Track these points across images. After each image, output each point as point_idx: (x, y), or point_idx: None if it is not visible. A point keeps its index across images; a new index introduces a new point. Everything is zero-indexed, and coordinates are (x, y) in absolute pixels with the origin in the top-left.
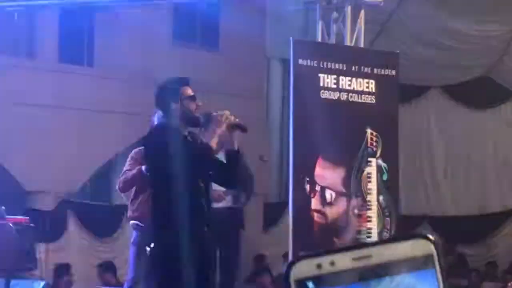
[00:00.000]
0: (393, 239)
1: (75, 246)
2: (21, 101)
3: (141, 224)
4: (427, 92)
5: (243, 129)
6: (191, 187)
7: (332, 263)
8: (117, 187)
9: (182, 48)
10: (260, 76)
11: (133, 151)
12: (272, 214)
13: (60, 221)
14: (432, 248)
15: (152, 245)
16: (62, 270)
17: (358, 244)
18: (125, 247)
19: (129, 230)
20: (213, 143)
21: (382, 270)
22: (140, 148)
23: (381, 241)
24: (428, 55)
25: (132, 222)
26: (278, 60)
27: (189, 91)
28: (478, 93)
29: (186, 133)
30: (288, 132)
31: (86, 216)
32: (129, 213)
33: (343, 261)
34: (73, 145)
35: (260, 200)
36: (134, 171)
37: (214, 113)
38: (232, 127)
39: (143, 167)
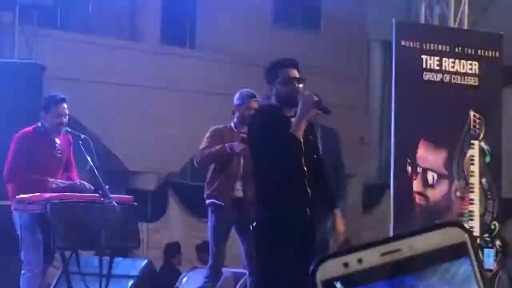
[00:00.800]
0: (423, 229)
1: (176, 226)
2: (124, 82)
3: (222, 203)
4: None
5: (326, 111)
6: (295, 170)
7: (360, 261)
8: (195, 161)
9: (283, 29)
10: (361, 57)
11: (211, 129)
12: (372, 196)
13: (162, 201)
14: (465, 236)
15: (254, 223)
16: (173, 249)
17: (386, 238)
18: None
19: None
20: (303, 125)
21: (414, 264)
22: (219, 126)
23: (411, 233)
24: None
25: (211, 201)
26: (379, 42)
27: (292, 73)
28: None
29: (291, 114)
30: (389, 113)
31: (186, 196)
32: (208, 192)
33: (372, 257)
34: (175, 126)
35: (360, 181)
36: (217, 148)
37: (303, 94)
38: (318, 107)
39: (236, 145)
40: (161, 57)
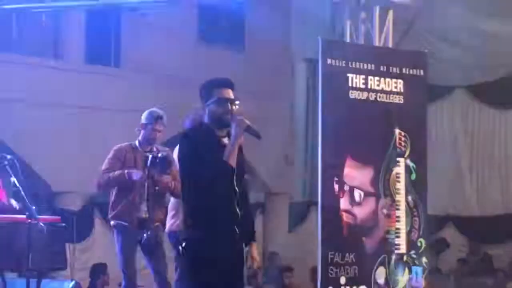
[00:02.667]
0: None
1: (102, 246)
2: (48, 101)
3: (126, 224)
4: (452, 92)
5: (257, 136)
6: (226, 190)
7: None
8: (96, 185)
9: (207, 48)
10: (285, 76)
11: (114, 148)
12: (297, 214)
13: (87, 222)
14: None
15: (184, 244)
16: (99, 270)
17: None
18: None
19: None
20: (236, 150)
21: None
22: (122, 145)
23: None
24: (453, 55)
25: (116, 222)
26: (303, 60)
27: (226, 93)
28: (502, 93)
29: (222, 134)
30: (313, 131)
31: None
32: (112, 213)
33: None
34: (99, 146)
35: (285, 199)
36: (117, 174)
37: (238, 116)
38: (249, 132)
39: (135, 174)
40: (86, 76)
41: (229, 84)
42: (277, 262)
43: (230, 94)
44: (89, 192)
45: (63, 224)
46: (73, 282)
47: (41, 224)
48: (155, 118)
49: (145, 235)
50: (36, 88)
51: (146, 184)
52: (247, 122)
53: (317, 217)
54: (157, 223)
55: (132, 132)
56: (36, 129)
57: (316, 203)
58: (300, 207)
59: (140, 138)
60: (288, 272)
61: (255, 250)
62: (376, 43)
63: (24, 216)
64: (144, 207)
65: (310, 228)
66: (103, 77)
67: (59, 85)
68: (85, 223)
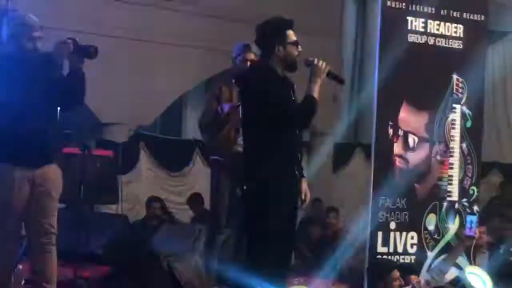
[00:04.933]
0: None
1: (147, 179)
2: (98, 31)
3: (221, 159)
4: (503, 37)
5: (341, 81)
6: (290, 131)
7: None
8: (199, 127)
9: None
10: (334, 15)
11: (213, 89)
12: (342, 155)
13: (133, 154)
14: None
15: (245, 187)
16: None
17: None
18: (195, 181)
19: (199, 165)
20: (316, 93)
21: None
22: (220, 84)
23: None
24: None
25: (214, 157)
26: (353, 1)
27: (293, 36)
28: None
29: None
30: (360, 72)
31: (157, 149)
32: (211, 147)
33: None
34: (148, 78)
35: (330, 140)
36: (212, 114)
37: (315, 61)
38: (330, 77)
39: (225, 106)
40: (137, 7)
41: (293, 25)
42: (321, 206)
43: (294, 36)
44: (136, 124)
45: (114, 157)
46: None
47: (95, 156)
48: (244, 47)
49: None
50: (87, 17)
51: (240, 115)
52: (328, 66)
53: (362, 159)
54: None
55: (178, 67)
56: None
57: (362, 145)
58: (346, 148)
59: (232, 75)
60: (332, 212)
61: (306, 185)
62: None
63: (77, 148)
64: (240, 140)
65: (354, 170)
66: (154, 9)
67: (109, 15)
68: (130, 156)
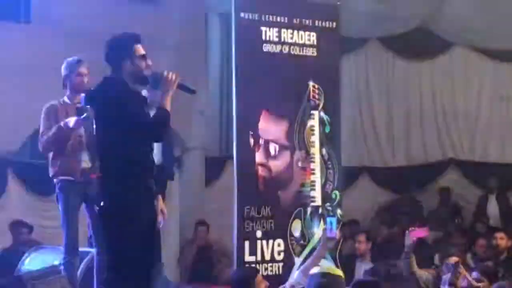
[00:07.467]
0: None
1: (16, 204)
2: None
3: (71, 178)
4: (365, 44)
5: (191, 91)
6: (143, 145)
7: None
8: (40, 148)
9: (120, 3)
10: (199, 30)
11: (45, 107)
12: (214, 168)
13: (1, 180)
14: None
15: (102, 203)
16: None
17: None
18: None
19: None
20: (167, 105)
21: None
22: (52, 102)
23: None
24: (366, 7)
25: (60, 178)
26: (216, 15)
27: (141, 50)
28: (415, 44)
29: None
30: (228, 85)
31: (26, 174)
32: (54, 169)
33: None
34: (10, 104)
35: (201, 154)
36: (54, 131)
37: (164, 74)
38: (181, 88)
39: (68, 121)
40: None
41: (140, 40)
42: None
43: (143, 50)
44: (3, 150)
45: None
46: None
47: None
48: (75, 63)
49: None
50: None
51: (82, 132)
52: (179, 78)
53: (233, 172)
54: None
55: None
56: None
57: (232, 157)
58: (216, 162)
59: (67, 92)
60: (202, 226)
61: (161, 202)
62: None
63: None
64: (85, 157)
65: (226, 183)
66: (11, 33)
67: None
68: None
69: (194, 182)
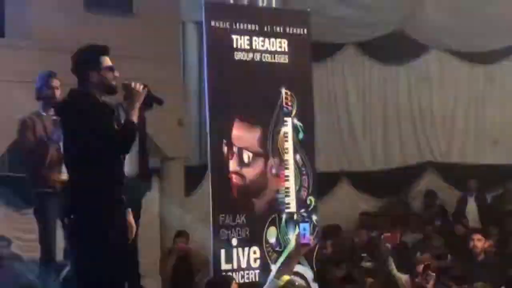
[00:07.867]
0: None
1: None
2: None
3: (51, 190)
4: (341, 49)
5: (159, 101)
6: (112, 156)
7: None
8: (22, 162)
9: (94, 14)
10: (175, 40)
11: (20, 121)
12: (193, 178)
13: None
14: None
15: (72, 216)
16: None
17: None
18: None
19: None
20: (134, 116)
21: None
22: (28, 115)
23: None
24: (341, 13)
25: (39, 190)
26: (193, 23)
27: (108, 61)
28: (392, 49)
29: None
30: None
31: (5, 187)
32: (33, 181)
33: None
34: None
35: (181, 163)
36: (33, 142)
37: (132, 85)
38: (149, 99)
39: (42, 135)
40: None
41: (108, 51)
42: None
43: (109, 61)
44: None
45: None
46: None
47: None
48: (47, 76)
49: None
50: None
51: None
52: (146, 89)
53: None
54: None
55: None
56: None
57: None
58: (196, 171)
59: (41, 105)
60: (181, 237)
61: (131, 217)
62: (260, 4)
63: None
64: (63, 169)
65: (206, 191)
66: None
67: None
68: None
69: (174, 191)
